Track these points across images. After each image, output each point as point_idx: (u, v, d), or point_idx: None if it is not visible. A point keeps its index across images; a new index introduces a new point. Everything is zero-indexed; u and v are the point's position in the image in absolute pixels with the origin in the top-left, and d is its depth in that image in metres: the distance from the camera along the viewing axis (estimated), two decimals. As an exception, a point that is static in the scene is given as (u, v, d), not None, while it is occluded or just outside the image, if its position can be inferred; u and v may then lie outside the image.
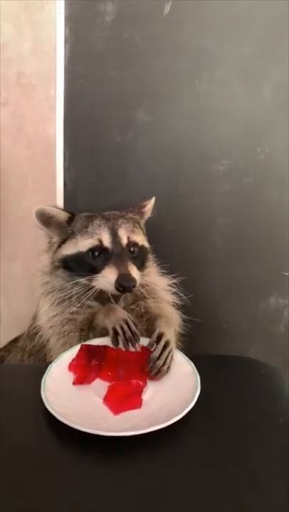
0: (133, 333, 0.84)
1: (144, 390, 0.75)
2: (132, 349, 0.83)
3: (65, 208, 1.05)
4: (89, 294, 0.92)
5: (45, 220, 0.99)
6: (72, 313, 0.96)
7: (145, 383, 0.76)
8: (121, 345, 0.83)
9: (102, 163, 1.43)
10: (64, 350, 0.89)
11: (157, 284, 1.05)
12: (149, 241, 1.10)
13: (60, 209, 1.04)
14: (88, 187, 1.44)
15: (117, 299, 0.98)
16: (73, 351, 0.81)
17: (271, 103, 1.32)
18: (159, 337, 0.84)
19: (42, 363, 0.94)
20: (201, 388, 0.73)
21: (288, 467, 0.62)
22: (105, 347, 0.81)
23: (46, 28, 1.36)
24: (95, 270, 0.92)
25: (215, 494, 0.57)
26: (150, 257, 1.11)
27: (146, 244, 1.06)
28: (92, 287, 0.92)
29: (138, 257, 0.99)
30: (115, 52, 1.33)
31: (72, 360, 0.79)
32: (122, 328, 0.85)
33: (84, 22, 1.31)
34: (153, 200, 1.14)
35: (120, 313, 0.89)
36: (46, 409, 0.69)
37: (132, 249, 0.98)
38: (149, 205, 1.13)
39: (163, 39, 1.30)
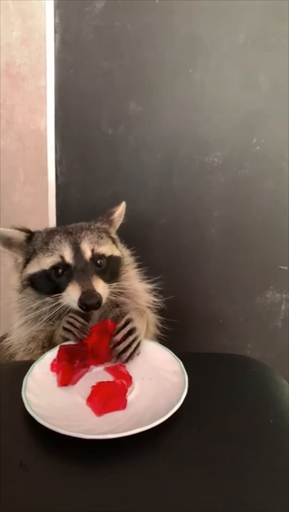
0: (82, 324, 0.83)
1: (129, 389, 0.72)
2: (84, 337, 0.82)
3: (24, 228, 1.01)
4: (58, 311, 0.88)
5: (5, 241, 0.96)
6: (37, 331, 0.92)
7: (130, 382, 0.73)
8: (73, 338, 0.82)
9: (94, 155, 1.40)
10: None
11: (137, 288, 1.01)
12: (130, 247, 1.07)
13: (18, 228, 0.99)
14: (80, 179, 1.42)
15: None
16: (55, 351, 0.79)
17: (267, 92, 1.28)
18: (126, 323, 0.83)
19: (25, 362, 0.91)
20: (190, 387, 0.71)
21: (279, 470, 0.60)
22: (86, 344, 0.79)
23: (36, 17, 1.33)
24: (60, 288, 0.89)
25: (202, 500, 0.54)
26: (130, 261, 1.07)
27: (117, 253, 1.01)
28: (59, 305, 0.88)
29: (106, 268, 0.95)
30: (106, 41, 1.30)
31: (54, 360, 0.76)
32: (69, 322, 0.83)
33: (74, 10, 1.28)
34: (123, 205, 1.09)
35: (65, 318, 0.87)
36: (26, 410, 0.66)
37: (98, 261, 0.93)
38: (118, 211, 1.08)
39: (155, 26, 1.26)
